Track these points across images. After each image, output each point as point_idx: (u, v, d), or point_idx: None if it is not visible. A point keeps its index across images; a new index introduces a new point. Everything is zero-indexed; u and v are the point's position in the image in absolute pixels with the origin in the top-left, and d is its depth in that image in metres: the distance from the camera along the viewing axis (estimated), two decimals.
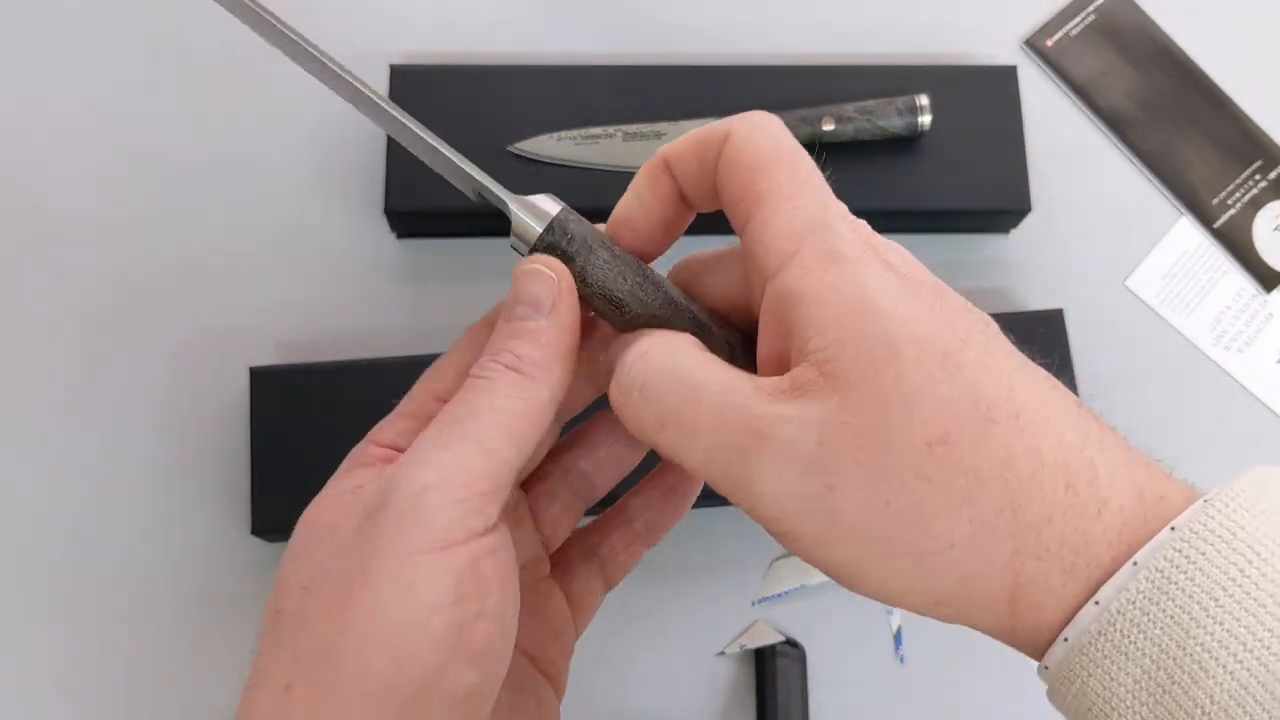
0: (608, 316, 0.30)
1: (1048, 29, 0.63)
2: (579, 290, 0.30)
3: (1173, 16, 0.63)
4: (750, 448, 0.26)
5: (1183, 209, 0.60)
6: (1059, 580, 0.25)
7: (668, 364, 0.28)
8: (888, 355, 0.25)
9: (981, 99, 0.57)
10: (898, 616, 0.53)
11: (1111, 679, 0.24)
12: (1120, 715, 0.24)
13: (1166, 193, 0.60)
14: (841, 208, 0.28)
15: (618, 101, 0.56)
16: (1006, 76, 0.58)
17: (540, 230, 0.30)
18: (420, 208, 0.54)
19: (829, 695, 0.52)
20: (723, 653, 0.52)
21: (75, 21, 0.59)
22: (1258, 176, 0.60)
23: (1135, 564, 0.24)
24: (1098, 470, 0.25)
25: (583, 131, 0.55)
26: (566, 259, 0.30)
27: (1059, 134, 0.61)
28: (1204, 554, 0.24)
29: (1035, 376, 0.26)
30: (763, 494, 0.26)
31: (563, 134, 0.55)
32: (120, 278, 0.55)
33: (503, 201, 0.30)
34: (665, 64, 0.57)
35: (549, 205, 0.30)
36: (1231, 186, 0.60)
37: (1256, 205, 0.60)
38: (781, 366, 0.27)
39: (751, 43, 0.61)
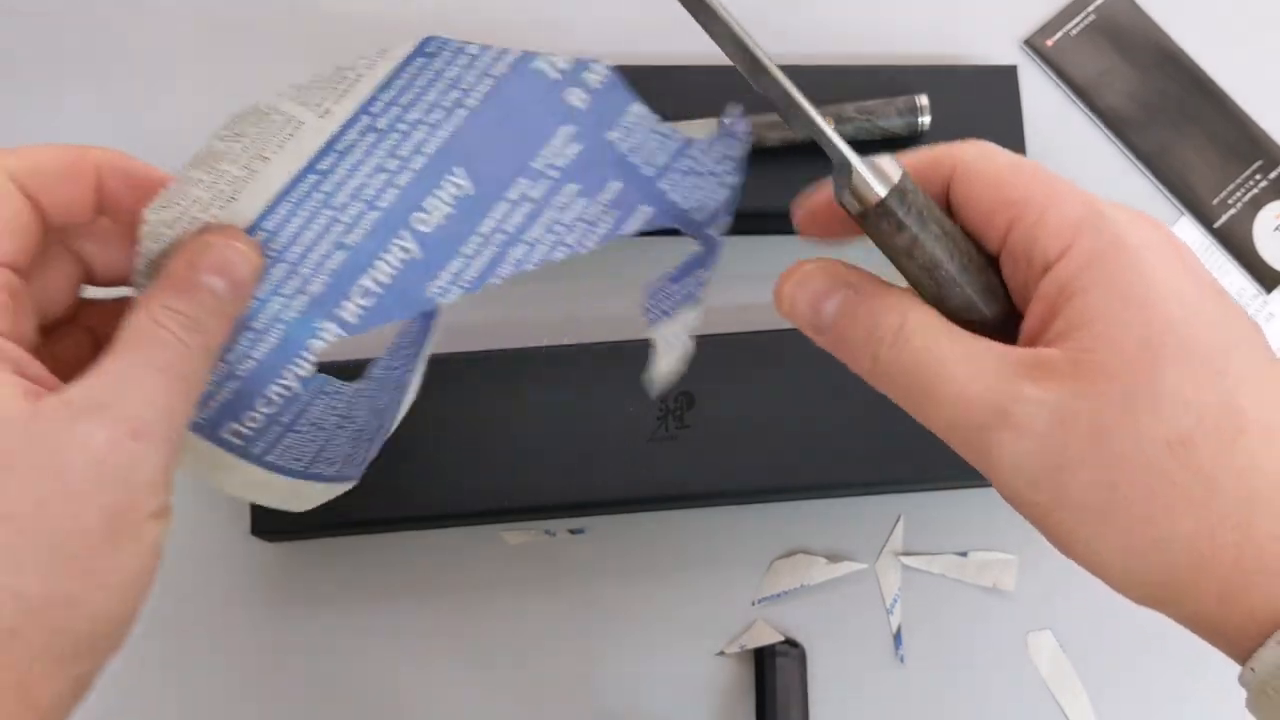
0: (922, 289, 0.29)
1: (1048, 29, 0.63)
2: (901, 263, 0.29)
3: (1173, 16, 0.63)
4: (991, 421, 0.27)
5: (1183, 209, 0.60)
6: None
7: (919, 342, 0.28)
8: (1151, 357, 0.26)
9: (981, 99, 0.57)
10: (897, 616, 0.53)
11: None
12: None
13: (1166, 193, 0.60)
14: (1109, 202, 0.28)
15: None
16: (1006, 76, 0.58)
17: (883, 194, 0.28)
18: None
19: (829, 695, 0.52)
20: (723, 653, 0.52)
21: (75, 22, 0.59)
22: (1258, 176, 0.60)
23: None
24: None
25: None
26: (898, 228, 0.28)
27: (1059, 134, 0.61)
28: None
29: None
30: (999, 462, 0.27)
31: None
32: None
33: (844, 158, 0.29)
34: (665, 64, 0.57)
35: (892, 169, 0.29)
36: (1231, 186, 0.60)
37: (1256, 205, 0.60)
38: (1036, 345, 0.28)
39: None
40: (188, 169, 0.30)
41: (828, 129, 0.29)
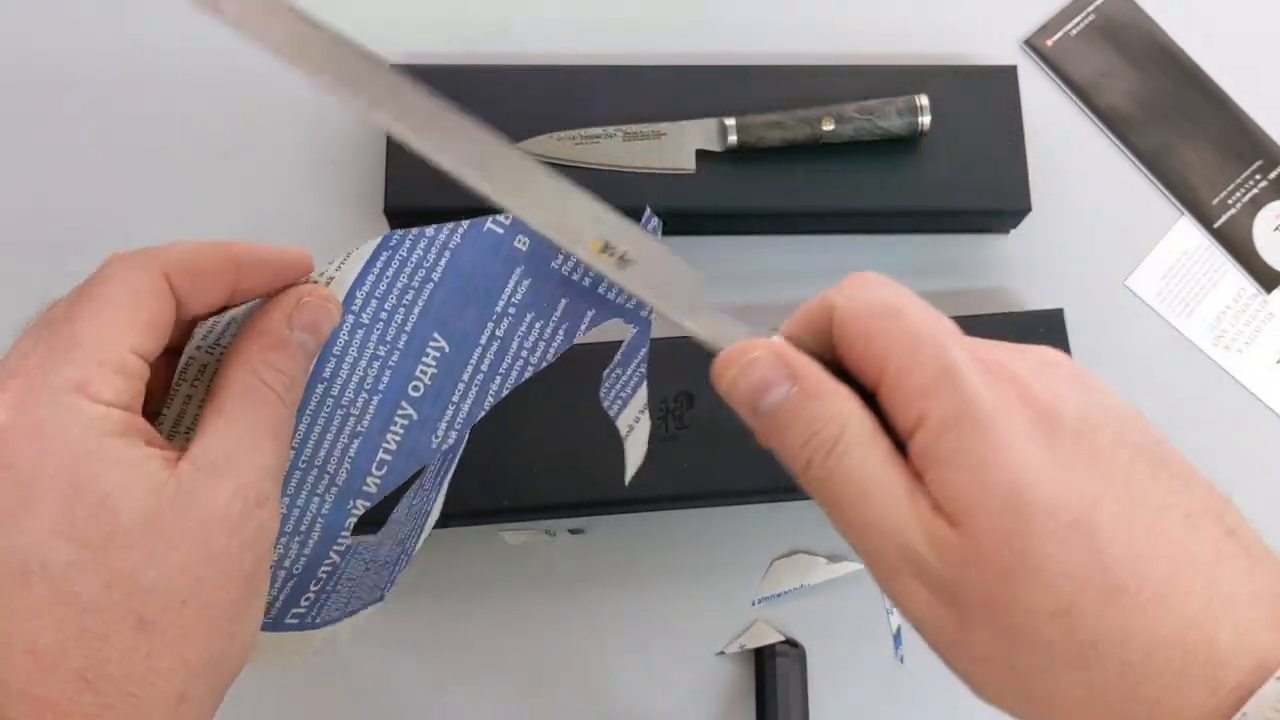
0: None
1: (1048, 29, 0.63)
2: None
3: (1173, 16, 0.63)
4: (900, 565, 0.27)
5: (1183, 209, 0.60)
6: None
7: (852, 461, 0.28)
8: (1015, 528, 0.26)
9: (981, 99, 0.57)
10: (898, 616, 0.53)
11: None
12: None
13: (1166, 193, 0.60)
14: (968, 349, 0.27)
15: (618, 101, 0.56)
16: (1006, 76, 0.58)
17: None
18: (420, 207, 0.53)
19: (829, 695, 0.52)
20: (723, 653, 0.52)
21: (74, 20, 0.59)
22: (1258, 176, 0.60)
23: (1244, 715, 0.25)
24: (1218, 646, 0.25)
25: (583, 131, 0.55)
26: None
27: (1059, 134, 0.61)
28: None
29: (1173, 521, 0.26)
30: (908, 606, 0.28)
31: (563, 134, 0.55)
32: None
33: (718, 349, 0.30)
34: (665, 64, 0.57)
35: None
36: (1231, 186, 0.60)
37: (1256, 205, 0.60)
38: None
39: (752, 43, 0.61)
40: (182, 386, 0.31)
41: (697, 328, 0.30)
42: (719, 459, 0.50)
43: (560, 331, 0.35)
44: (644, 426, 0.38)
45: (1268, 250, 0.60)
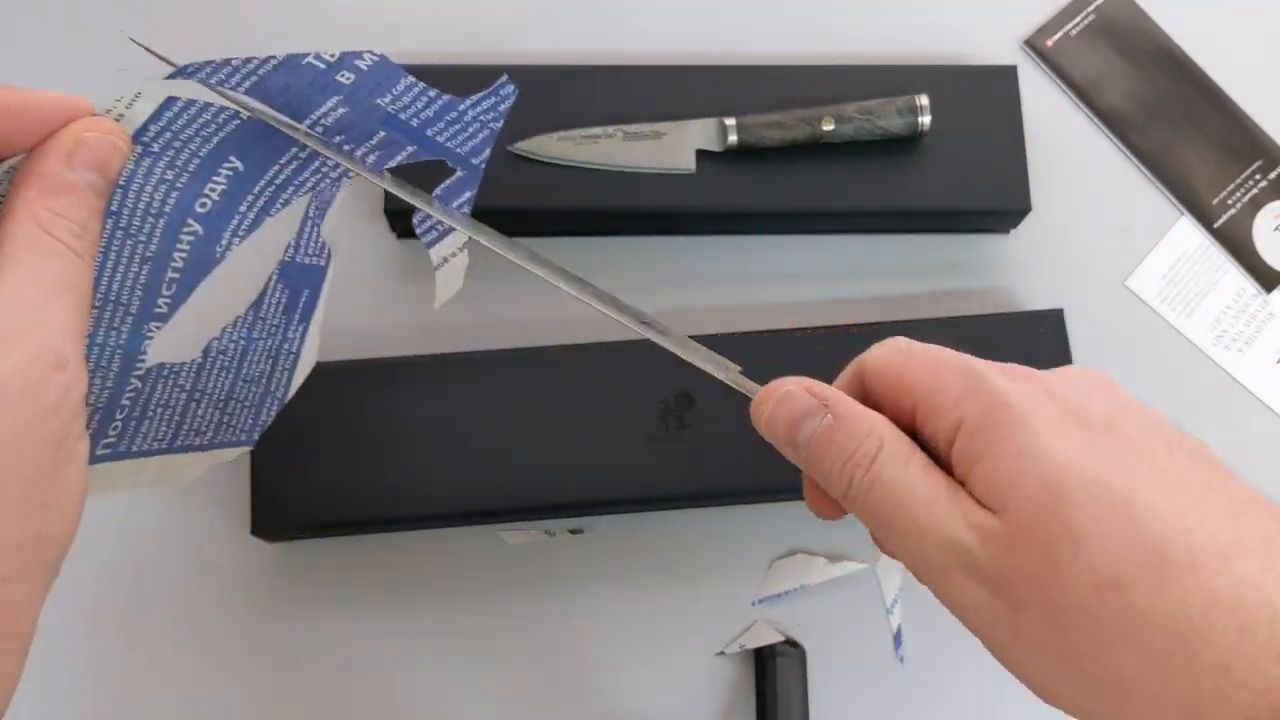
0: None
1: (1048, 29, 0.63)
2: None
3: (1173, 16, 0.63)
4: (948, 563, 0.28)
5: (1183, 209, 0.60)
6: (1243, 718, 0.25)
7: (890, 473, 0.29)
8: (1055, 504, 0.26)
9: (981, 99, 0.57)
10: (897, 616, 0.53)
11: None
12: None
13: (1166, 193, 0.60)
14: (990, 363, 0.30)
15: (618, 101, 0.56)
16: (1006, 76, 0.58)
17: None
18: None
19: (829, 695, 0.52)
20: (723, 653, 0.52)
21: (69, 28, 0.59)
22: (1258, 176, 0.60)
23: None
24: (1277, 609, 0.25)
25: (583, 131, 0.55)
26: None
27: (1059, 134, 0.61)
28: None
29: (1217, 503, 0.27)
30: (959, 603, 0.29)
31: (563, 134, 0.55)
32: None
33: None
34: (665, 64, 0.57)
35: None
36: (1231, 186, 0.60)
37: (1256, 205, 0.60)
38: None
39: (752, 43, 0.61)
40: None
41: (729, 378, 0.34)
42: (719, 459, 0.50)
43: (371, 156, 0.34)
44: (462, 261, 0.38)
45: (1268, 250, 0.60)
